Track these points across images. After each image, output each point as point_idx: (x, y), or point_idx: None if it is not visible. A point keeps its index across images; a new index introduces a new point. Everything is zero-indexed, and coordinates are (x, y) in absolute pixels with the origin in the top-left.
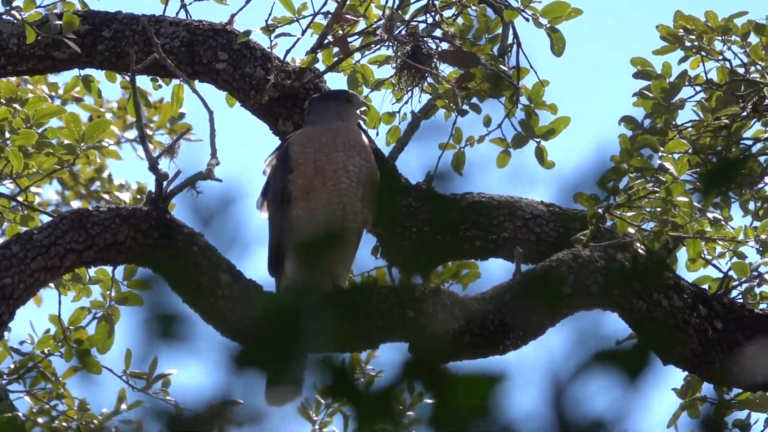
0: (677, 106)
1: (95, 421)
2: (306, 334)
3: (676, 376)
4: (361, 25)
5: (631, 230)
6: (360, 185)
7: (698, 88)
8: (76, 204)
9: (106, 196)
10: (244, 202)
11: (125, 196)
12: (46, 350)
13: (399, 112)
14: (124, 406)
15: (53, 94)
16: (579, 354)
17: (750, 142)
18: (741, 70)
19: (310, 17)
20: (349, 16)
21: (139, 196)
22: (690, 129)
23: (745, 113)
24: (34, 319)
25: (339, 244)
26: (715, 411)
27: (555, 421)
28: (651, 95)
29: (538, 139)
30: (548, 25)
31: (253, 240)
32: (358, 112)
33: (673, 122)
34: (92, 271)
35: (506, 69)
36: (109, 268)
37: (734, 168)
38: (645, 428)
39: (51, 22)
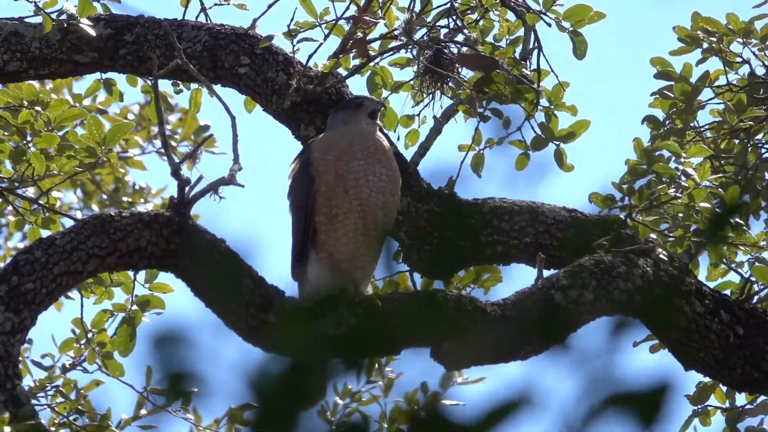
0: (698, 107)
1: None
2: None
3: (691, 380)
4: (382, 28)
5: (653, 236)
6: (381, 193)
7: (718, 91)
8: (96, 208)
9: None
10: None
11: (149, 207)
12: (67, 364)
13: (419, 115)
14: (143, 411)
15: (78, 104)
16: (591, 397)
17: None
18: (761, 72)
19: (333, 22)
20: (368, 18)
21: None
22: (707, 132)
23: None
24: (55, 329)
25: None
26: (726, 418)
27: None
28: (671, 95)
29: (557, 142)
30: (571, 29)
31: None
32: (371, 114)
33: (692, 124)
34: (114, 274)
35: (528, 73)
36: (131, 272)
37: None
38: None
39: (66, 9)
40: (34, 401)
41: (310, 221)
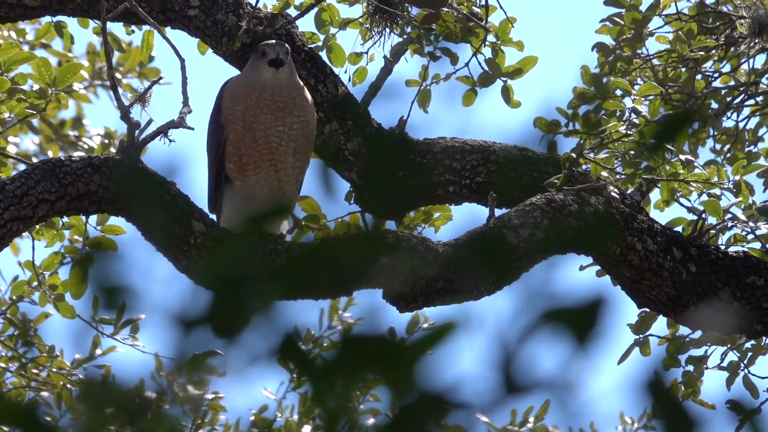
0: (647, 35)
1: (65, 368)
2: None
3: (632, 311)
4: None
5: (604, 173)
6: (292, 141)
7: (667, 19)
8: (52, 153)
9: (81, 143)
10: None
11: (95, 141)
12: (13, 297)
13: (367, 53)
14: (98, 351)
15: (21, 39)
16: (528, 313)
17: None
18: (710, 1)
19: None
20: None
21: (107, 141)
22: (655, 60)
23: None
24: (5, 268)
25: (284, 216)
26: (667, 348)
27: (502, 384)
28: (621, 22)
29: (504, 78)
30: None
31: None
32: (271, 62)
33: (639, 51)
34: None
35: (478, 10)
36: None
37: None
38: (595, 389)
39: None
40: None
41: (222, 165)
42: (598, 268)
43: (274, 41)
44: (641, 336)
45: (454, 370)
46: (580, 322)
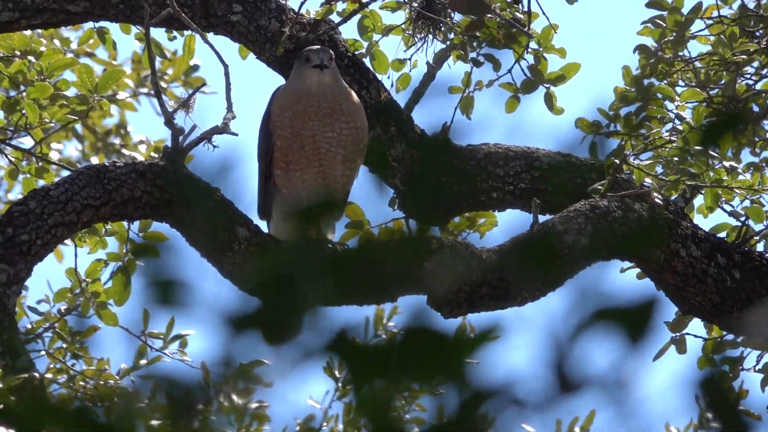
0: (688, 37)
1: (112, 381)
2: (316, 288)
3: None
4: None
5: (648, 180)
6: (342, 147)
7: (709, 22)
8: (95, 160)
9: (125, 151)
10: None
11: (142, 149)
12: (62, 308)
13: (410, 59)
14: (144, 362)
15: (66, 48)
16: (580, 312)
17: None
18: (752, 5)
19: None
20: None
21: (154, 154)
22: (697, 63)
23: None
24: (51, 277)
25: (335, 210)
26: (703, 348)
27: (554, 382)
28: (663, 24)
29: (547, 85)
30: None
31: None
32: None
33: (680, 54)
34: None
35: (520, 17)
36: (125, 222)
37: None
38: (646, 387)
39: None
40: (31, 346)
41: (270, 171)
42: (638, 270)
43: (317, 47)
44: (677, 334)
45: (506, 368)
46: (634, 320)
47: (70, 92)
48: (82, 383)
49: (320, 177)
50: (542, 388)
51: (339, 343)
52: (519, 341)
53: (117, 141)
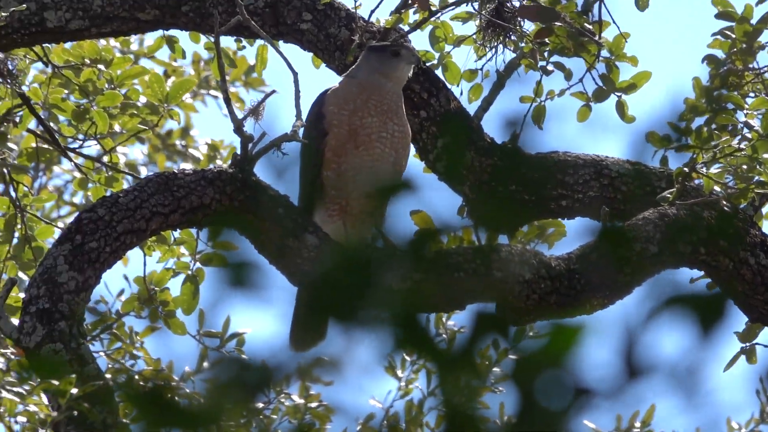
0: (758, 48)
1: (171, 382)
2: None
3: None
4: None
5: (717, 188)
6: (394, 150)
7: None
8: (161, 163)
9: (192, 152)
10: None
11: (202, 150)
12: (119, 310)
13: (481, 69)
14: (205, 364)
15: (126, 50)
16: (653, 300)
17: None
18: None
19: None
20: None
21: (213, 153)
22: (767, 74)
23: None
24: (110, 278)
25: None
26: None
27: (626, 370)
28: (733, 36)
29: (619, 93)
30: None
31: None
32: (408, 66)
33: (750, 65)
34: (177, 231)
35: (590, 26)
36: (193, 229)
37: None
38: (715, 378)
39: None
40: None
41: (318, 175)
42: (708, 280)
43: (406, 45)
44: (748, 344)
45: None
46: (707, 309)
47: (139, 101)
48: (141, 383)
49: (371, 175)
50: (612, 376)
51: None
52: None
53: (180, 143)
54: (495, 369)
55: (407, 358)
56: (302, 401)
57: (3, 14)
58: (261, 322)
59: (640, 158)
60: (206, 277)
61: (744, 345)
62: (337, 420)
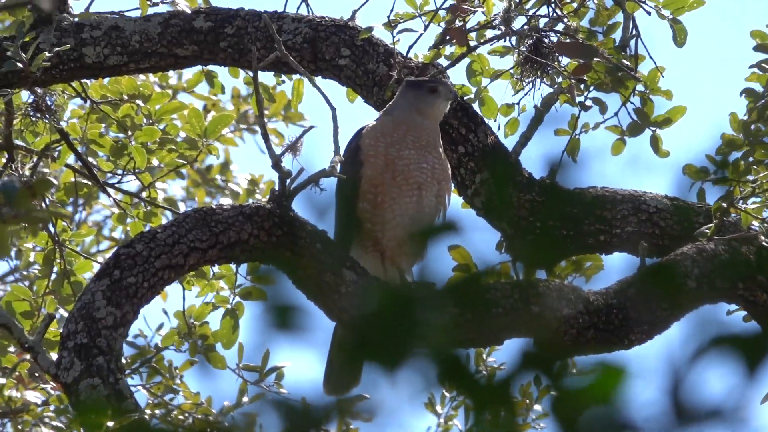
0: None
1: (210, 416)
2: (427, 328)
3: None
4: (480, 16)
5: (755, 223)
6: (436, 181)
7: None
8: (201, 198)
9: (232, 186)
10: None
11: (242, 184)
12: (158, 344)
13: (518, 104)
14: (245, 399)
15: (164, 84)
16: (698, 339)
17: None
18: None
19: (432, 11)
20: (466, 7)
21: (252, 188)
22: None
23: None
24: (149, 313)
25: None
26: None
27: (672, 409)
28: None
29: (653, 128)
30: (670, 17)
31: None
32: (445, 103)
33: None
34: (215, 266)
35: (627, 62)
36: (232, 265)
37: None
38: (760, 417)
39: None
40: (129, 381)
41: (354, 208)
42: (744, 313)
43: (442, 81)
44: None
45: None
46: (752, 349)
47: (178, 137)
48: (180, 417)
49: (414, 208)
50: (660, 415)
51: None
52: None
53: (219, 178)
54: (536, 407)
55: (447, 394)
56: None
57: (47, 54)
58: (300, 356)
59: (680, 195)
60: (246, 311)
61: None
62: None
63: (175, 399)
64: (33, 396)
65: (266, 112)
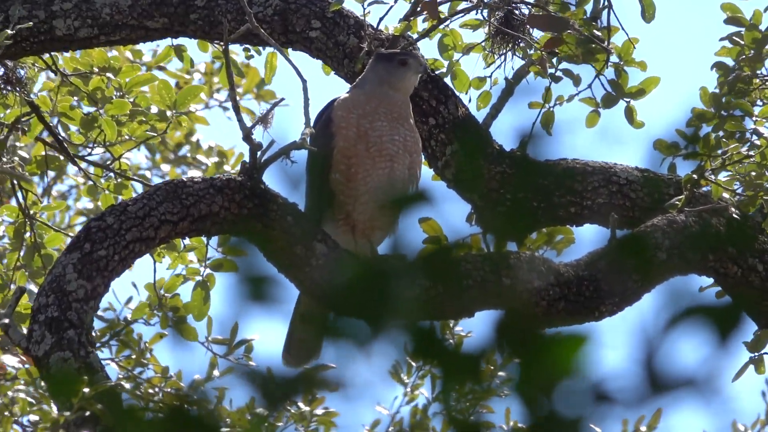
0: (767, 54)
1: (179, 389)
2: (399, 300)
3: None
4: None
5: (726, 195)
6: (407, 153)
7: None
8: (165, 168)
9: (202, 158)
10: None
11: (211, 161)
12: (127, 317)
13: (490, 77)
14: (216, 373)
15: (138, 61)
16: (670, 310)
17: None
18: None
19: None
20: None
21: (218, 159)
22: None
23: None
24: (117, 286)
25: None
26: None
27: (645, 380)
28: (741, 42)
29: (627, 99)
30: None
31: None
32: (415, 76)
33: (759, 72)
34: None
35: (599, 34)
36: (203, 237)
37: None
38: (729, 387)
39: None
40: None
41: (326, 180)
42: (717, 289)
43: (413, 54)
44: (756, 354)
45: (597, 367)
46: (723, 319)
47: (149, 108)
48: (150, 390)
49: (387, 180)
50: (633, 385)
51: (429, 344)
52: (610, 340)
53: (189, 152)
54: (500, 373)
55: (413, 363)
56: (307, 408)
57: (9, 31)
58: (268, 329)
59: (652, 167)
60: (216, 283)
61: (753, 355)
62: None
63: (144, 372)
64: (10, 359)
65: (239, 90)
